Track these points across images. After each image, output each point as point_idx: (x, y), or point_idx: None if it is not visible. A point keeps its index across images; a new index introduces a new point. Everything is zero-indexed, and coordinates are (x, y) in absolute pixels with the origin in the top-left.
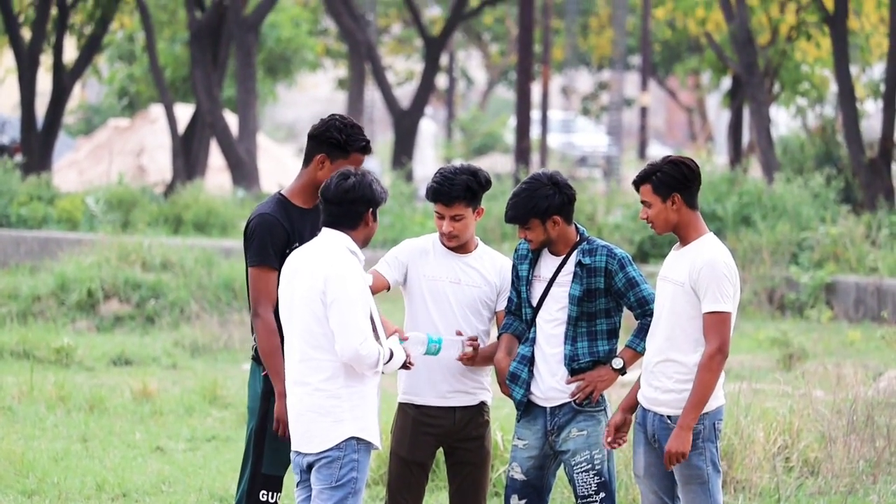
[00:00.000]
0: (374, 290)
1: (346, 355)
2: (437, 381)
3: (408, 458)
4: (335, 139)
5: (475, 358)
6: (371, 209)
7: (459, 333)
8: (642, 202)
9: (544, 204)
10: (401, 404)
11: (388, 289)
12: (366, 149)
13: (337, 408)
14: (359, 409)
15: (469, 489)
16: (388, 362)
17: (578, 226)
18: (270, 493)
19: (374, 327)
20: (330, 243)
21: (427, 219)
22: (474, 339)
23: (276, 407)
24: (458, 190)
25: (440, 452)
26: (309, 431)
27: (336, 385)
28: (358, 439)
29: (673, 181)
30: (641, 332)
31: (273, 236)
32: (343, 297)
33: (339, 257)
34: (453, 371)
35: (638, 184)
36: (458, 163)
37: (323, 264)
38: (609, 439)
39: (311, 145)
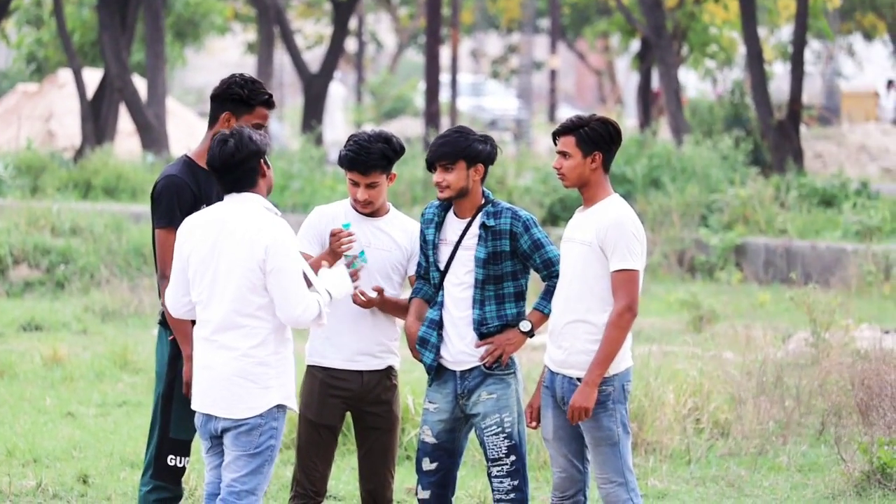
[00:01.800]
0: None
1: (291, 322)
2: (344, 344)
3: (316, 420)
4: (238, 94)
5: (368, 304)
6: (261, 160)
7: (378, 290)
8: (559, 152)
9: (477, 147)
10: (309, 367)
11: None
12: (269, 102)
13: (264, 374)
14: (284, 375)
15: (378, 453)
16: (329, 301)
17: (484, 190)
18: (179, 458)
19: (307, 279)
20: (248, 208)
21: (337, 183)
22: (381, 290)
23: (184, 370)
24: (374, 159)
25: (350, 417)
26: (233, 397)
27: (266, 352)
28: (280, 406)
29: (599, 139)
30: (548, 294)
31: (180, 198)
32: (284, 265)
33: (270, 223)
34: (360, 334)
35: (561, 133)
36: (369, 128)
37: (259, 232)
38: (533, 424)
39: (214, 105)
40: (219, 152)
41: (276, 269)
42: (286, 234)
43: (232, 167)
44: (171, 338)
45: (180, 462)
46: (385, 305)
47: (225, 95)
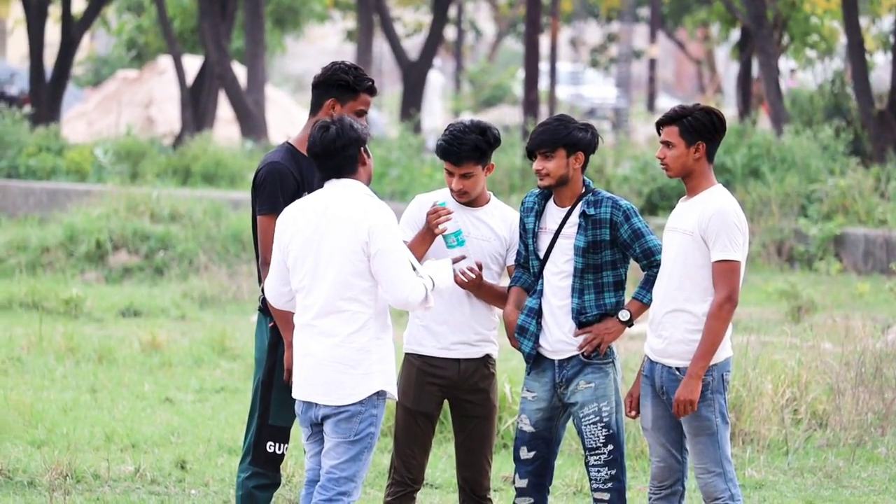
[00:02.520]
0: None
1: (399, 304)
2: (441, 333)
3: (413, 408)
4: (343, 80)
5: (469, 285)
6: (361, 147)
7: (478, 266)
8: (663, 142)
9: (577, 135)
10: (406, 355)
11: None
12: (372, 89)
13: (366, 360)
14: (386, 361)
15: (475, 441)
16: (433, 288)
17: (585, 178)
18: (277, 444)
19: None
20: (350, 193)
21: (435, 170)
22: (479, 267)
23: (285, 357)
24: (467, 150)
25: (448, 405)
26: (333, 383)
27: (367, 337)
28: (380, 393)
29: (702, 128)
30: (648, 283)
31: (284, 185)
32: (389, 246)
33: (373, 205)
34: (458, 322)
35: (665, 123)
36: (467, 118)
37: (363, 215)
38: (633, 413)
39: (318, 93)
40: (320, 138)
41: (382, 250)
42: (389, 218)
43: (332, 153)
44: (270, 325)
45: (279, 449)
46: (484, 292)
47: (330, 82)
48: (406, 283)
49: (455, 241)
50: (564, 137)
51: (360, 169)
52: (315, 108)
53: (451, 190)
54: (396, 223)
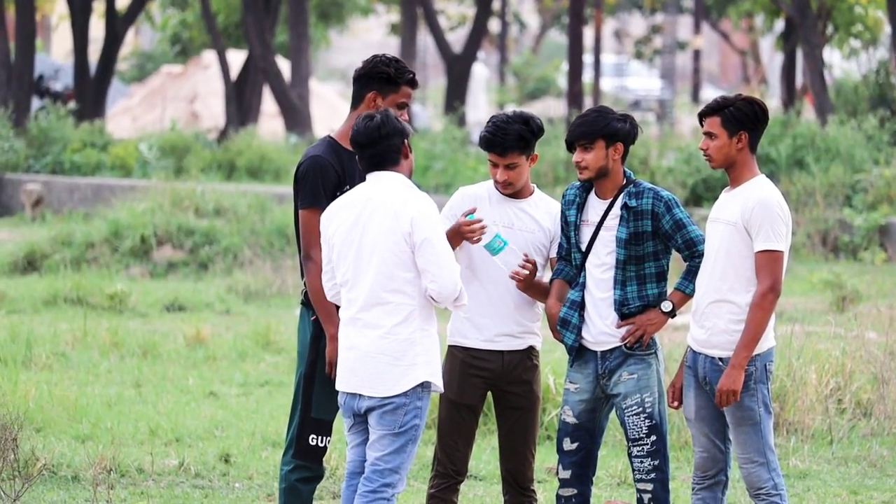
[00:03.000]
0: None
1: (447, 292)
2: (484, 325)
3: (457, 400)
4: (385, 73)
5: (527, 280)
6: (404, 140)
7: (527, 259)
8: (706, 133)
9: (615, 125)
10: (450, 347)
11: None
12: (413, 81)
13: (411, 351)
14: (431, 352)
15: (519, 433)
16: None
17: (626, 170)
18: (320, 438)
19: None
20: (392, 184)
21: (480, 163)
22: (532, 261)
23: (327, 350)
24: (511, 140)
25: (491, 396)
26: (379, 375)
27: (411, 329)
28: (424, 385)
29: (744, 118)
30: (690, 274)
31: (325, 179)
32: (433, 235)
33: (414, 195)
34: (501, 315)
35: (707, 114)
36: (510, 110)
37: (405, 205)
38: (675, 404)
39: (359, 85)
40: (364, 127)
41: (425, 240)
42: (431, 207)
43: (376, 141)
44: (313, 318)
45: (322, 442)
46: (532, 289)
47: (371, 74)
48: (453, 272)
49: (500, 244)
50: (603, 128)
51: (403, 161)
52: (356, 101)
53: (496, 181)
54: (438, 213)
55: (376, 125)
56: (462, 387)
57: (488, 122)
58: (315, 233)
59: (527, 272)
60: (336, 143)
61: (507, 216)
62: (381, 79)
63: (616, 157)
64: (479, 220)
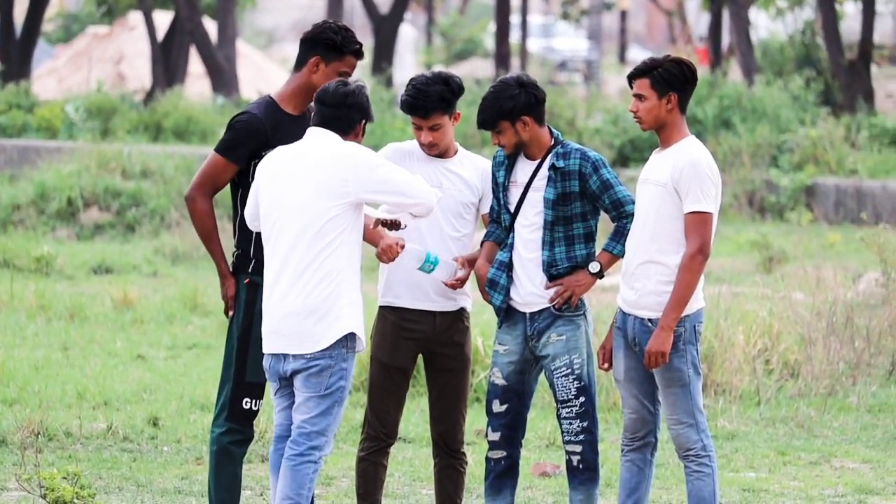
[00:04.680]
0: None
1: (428, 204)
2: (417, 285)
3: (388, 363)
4: (331, 40)
5: (463, 285)
6: (363, 121)
7: (458, 261)
8: (635, 95)
9: (510, 104)
10: (381, 308)
11: None
12: (359, 52)
13: (336, 305)
14: (354, 305)
15: (450, 395)
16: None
17: (553, 130)
18: (254, 401)
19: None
20: (329, 139)
21: (407, 124)
22: (463, 262)
23: (223, 289)
24: (433, 102)
25: (422, 359)
26: (303, 333)
27: (336, 282)
28: (349, 344)
29: (673, 79)
30: (617, 234)
31: (252, 139)
32: (383, 169)
33: (348, 146)
34: (433, 276)
35: (636, 76)
36: (428, 72)
37: (341, 154)
38: (605, 366)
39: (304, 48)
40: (334, 88)
41: (379, 178)
42: (366, 149)
43: (339, 105)
44: (246, 281)
45: (255, 405)
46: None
47: (318, 39)
48: (420, 186)
49: (430, 267)
50: (499, 111)
51: (351, 137)
52: (300, 63)
53: (421, 144)
54: (375, 153)
55: (345, 92)
56: (394, 349)
57: (408, 86)
58: (212, 178)
59: (462, 277)
60: (276, 104)
61: (436, 175)
62: (326, 45)
63: (527, 128)
64: (401, 243)
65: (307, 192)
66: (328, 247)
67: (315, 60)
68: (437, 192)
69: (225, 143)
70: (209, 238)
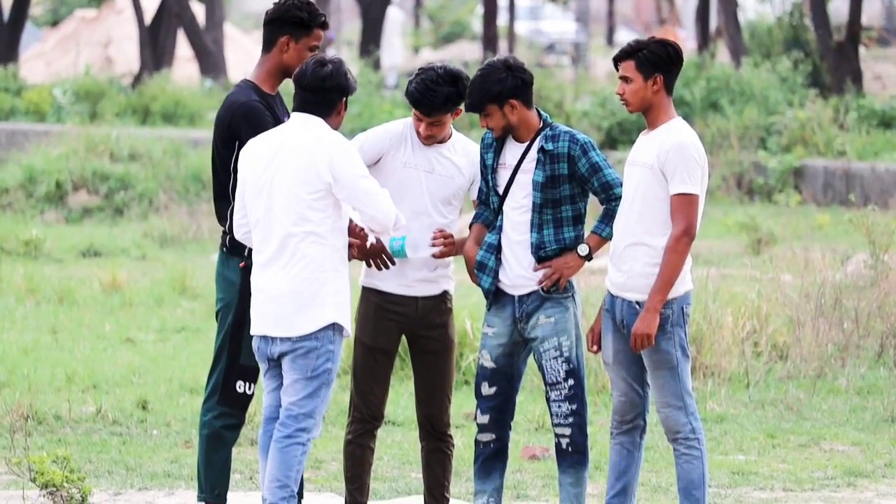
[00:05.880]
0: None
1: (384, 220)
2: (399, 270)
3: (371, 344)
4: (297, 17)
5: (451, 249)
6: (344, 98)
7: (439, 234)
8: (621, 77)
9: (497, 88)
10: (364, 290)
11: None
12: (325, 24)
13: (321, 292)
14: (340, 294)
15: (435, 377)
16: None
17: (542, 112)
18: (247, 385)
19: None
20: (311, 126)
21: (395, 107)
22: (446, 235)
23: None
24: (439, 103)
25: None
26: (289, 316)
27: (322, 270)
28: (335, 327)
29: (658, 61)
30: (606, 217)
31: (265, 123)
32: (355, 170)
33: (330, 135)
34: (418, 260)
35: (621, 58)
36: (438, 63)
37: (320, 144)
38: (594, 348)
39: (270, 29)
40: (312, 71)
41: (348, 176)
42: (347, 143)
43: (317, 90)
44: (242, 265)
45: (249, 389)
46: (455, 251)
47: (284, 19)
48: (384, 199)
49: (399, 245)
50: (486, 95)
51: (333, 116)
52: (268, 44)
53: (419, 134)
54: (356, 152)
55: (323, 75)
56: (376, 330)
57: (417, 77)
58: None
59: (444, 246)
60: (257, 86)
61: (428, 160)
62: (293, 23)
63: (515, 111)
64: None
65: (289, 179)
66: (311, 234)
67: (285, 40)
68: (401, 215)
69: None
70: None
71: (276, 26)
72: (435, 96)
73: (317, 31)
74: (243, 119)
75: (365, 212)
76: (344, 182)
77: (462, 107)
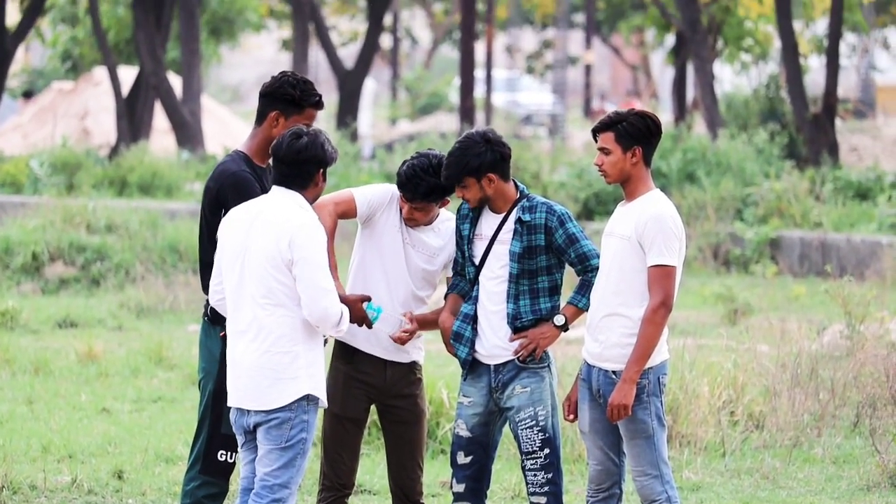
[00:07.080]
0: (343, 215)
1: (315, 315)
2: (372, 334)
3: (340, 413)
4: (289, 95)
5: (410, 337)
6: (322, 169)
7: (406, 316)
8: (600, 149)
9: (476, 162)
10: (333, 360)
11: (354, 217)
12: (319, 104)
13: (293, 365)
14: (314, 366)
15: (405, 447)
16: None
17: (518, 183)
18: (229, 454)
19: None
20: (286, 201)
21: (371, 178)
22: (411, 318)
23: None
24: (421, 192)
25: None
26: (261, 389)
27: (294, 342)
28: (309, 398)
29: (637, 133)
30: (583, 288)
31: (252, 193)
32: (310, 256)
33: (300, 214)
34: (390, 327)
35: (600, 130)
36: (435, 156)
37: (287, 222)
38: (571, 417)
39: (264, 103)
40: (287, 144)
41: (303, 259)
42: (315, 227)
43: (293, 162)
44: (222, 334)
45: (230, 458)
46: (424, 327)
47: (276, 94)
48: (327, 295)
49: (374, 315)
50: (465, 168)
51: (311, 188)
52: (260, 117)
53: (401, 212)
54: (324, 236)
55: (300, 147)
56: (345, 399)
57: (411, 160)
58: None
59: (407, 335)
60: (248, 157)
61: (412, 235)
62: (285, 100)
63: (491, 185)
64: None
65: (260, 252)
66: (279, 307)
67: (274, 115)
68: (346, 315)
69: (242, 197)
70: None
71: (269, 101)
72: (419, 184)
73: (309, 111)
74: (232, 188)
75: (308, 304)
76: (300, 266)
77: (448, 198)
